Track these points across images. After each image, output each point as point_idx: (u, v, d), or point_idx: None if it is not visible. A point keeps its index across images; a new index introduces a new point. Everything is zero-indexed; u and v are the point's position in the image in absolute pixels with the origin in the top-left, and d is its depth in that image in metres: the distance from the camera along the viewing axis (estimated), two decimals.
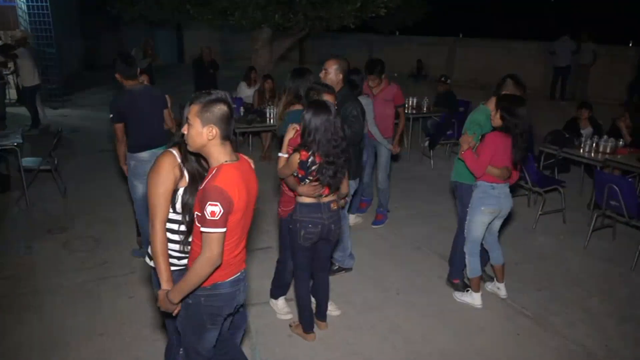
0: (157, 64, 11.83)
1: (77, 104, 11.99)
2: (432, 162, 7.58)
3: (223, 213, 2.02)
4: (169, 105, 4.38)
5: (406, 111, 8.22)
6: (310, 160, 2.95)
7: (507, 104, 3.47)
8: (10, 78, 11.36)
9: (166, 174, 2.23)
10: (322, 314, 3.55)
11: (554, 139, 6.13)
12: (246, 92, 8.66)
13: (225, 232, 2.07)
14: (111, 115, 4.10)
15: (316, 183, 3.02)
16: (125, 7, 8.85)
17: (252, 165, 2.32)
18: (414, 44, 16.88)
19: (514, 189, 4.11)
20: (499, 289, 4.04)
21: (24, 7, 11.22)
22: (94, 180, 6.57)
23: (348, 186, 3.30)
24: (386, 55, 17.48)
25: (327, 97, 3.19)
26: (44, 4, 10.96)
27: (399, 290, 4.14)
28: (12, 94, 11.67)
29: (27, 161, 6.00)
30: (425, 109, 8.30)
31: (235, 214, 2.09)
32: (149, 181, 2.26)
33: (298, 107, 3.57)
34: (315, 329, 3.49)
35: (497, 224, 3.88)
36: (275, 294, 3.77)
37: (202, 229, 2.04)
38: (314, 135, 2.91)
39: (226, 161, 2.11)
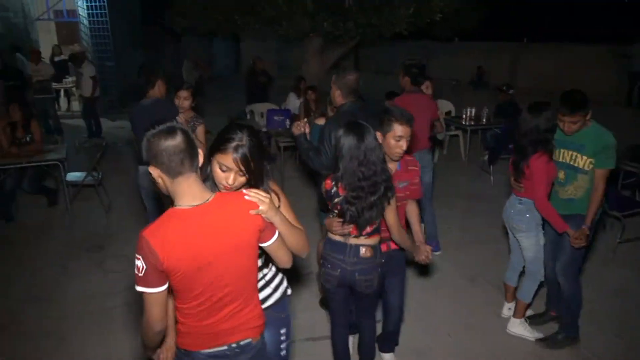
0: (209, 74, 11.88)
1: None
2: (492, 178, 6.97)
3: (146, 270, 1.64)
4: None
5: (463, 122, 7.72)
6: (333, 190, 2.55)
7: None
8: (74, 90, 11.78)
9: None
10: None
11: (634, 155, 5.40)
12: (295, 103, 8.41)
13: (157, 293, 1.69)
14: None
15: (340, 219, 2.58)
16: (177, 19, 8.86)
17: (256, 207, 1.79)
18: (474, 50, 16.13)
19: None
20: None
21: (85, 22, 11.59)
22: (140, 194, 6.49)
23: (400, 233, 2.70)
24: (444, 63, 16.88)
25: (398, 128, 2.65)
26: (104, 18, 11.29)
27: (450, 331, 3.65)
28: (75, 106, 12.10)
29: (71, 176, 5.99)
30: (484, 120, 7.69)
31: (174, 274, 1.68)
32: None
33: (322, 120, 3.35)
34: None
35: (520, 242, 3.50)
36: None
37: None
38: (338, 161, 2.50)
39: (177, 205, 1.72)
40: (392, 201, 2.55)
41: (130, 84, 13.37)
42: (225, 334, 1.85)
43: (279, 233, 1.88)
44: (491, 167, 7.01)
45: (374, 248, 2.66)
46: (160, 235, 1.66)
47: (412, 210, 2.94)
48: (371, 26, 7.88)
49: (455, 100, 9.09)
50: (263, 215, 1.80)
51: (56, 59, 11.94)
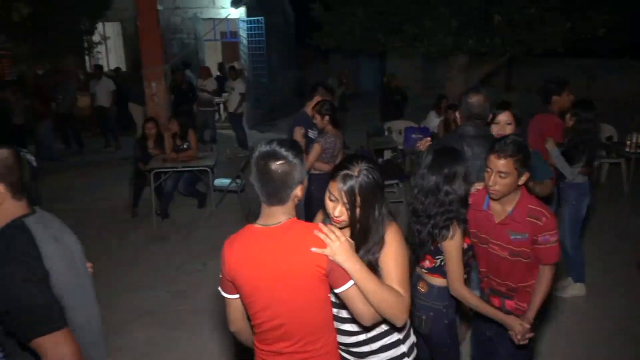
0: (352, 91, 12.23)
1: (282, 128, 12.98)
2: None
3: (222, 275, 1.79)
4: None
5: (627, 149, 6.84)
6: None
7: None
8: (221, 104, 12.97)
9: None
10: None
11: None
12: (435, 122, 8.22)
13: (228, 299, 1.82)
14: None
15: None
16: (324, 39, 9.26)
17: (322, 246, 1.63)
18: None
19: None
20: None
21: (245, 42, 12.68)
22: None
23: (457, 285, 2.33)
24: (610, 82, 15.18)
25: (489, 157, 2.31)
26: (261, 38, 12.24)
27: None
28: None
29: (218, 182, 6.55)
30: None
31: (236, 287, 1.75)
32: None
33: None
34: None
35: None
36: None
37: None
38: None
39: (256, 221, 1.76)
40: (453, 241, 2.27)
41: (282, 99, 14.34)
42: None
43: (355, 284, 1.66)
44: None
45: (431, 287, 2.42)
46: (231, 247, 1.75)
47: (541, 277, 2.36)
48: (520, 43, 7.39)
49: (622, 125, 8.10)
50: (331, 258, 1.64)
51: (218, 74, 13.29)
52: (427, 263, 2.42)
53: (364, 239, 1.79)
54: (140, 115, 9.86)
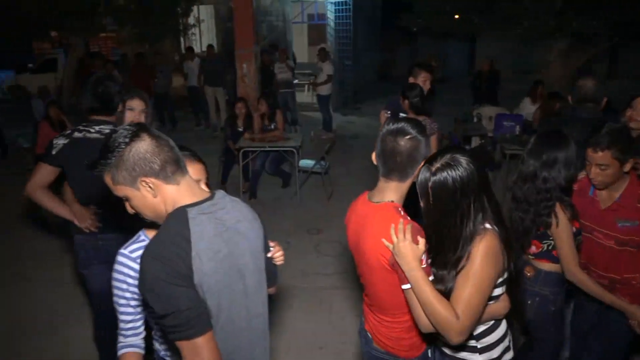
0: (439, 75, 11.91)
1: (365, 112, 12.90)
2: None
3: None
4: None
5: None
6: None
7: None
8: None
9: None
10: None
11: None
12: (529, 109, 7.79)
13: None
14: None
15: None
16: (413, 20, 9.03)
17: (389, 240, 1.65)
18: None
19: None
20: None
21: (332, 24, 12.67)
22: (360, 186, 6.84)
23: (572, 271, 2.25)
24: None
25: (588, 150, 2.28)
26: (348, 21, 12.18)
27: None
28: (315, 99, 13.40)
29: (303, 162, 6.65)
30: None
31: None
32: None
33: None
34: None
35: None
36: None
37: None
38: None
39: (370, 192, 1.89)
40: (560, 227, 2.19)
41: (366, 82, 14.24)
42: (370, 323, 1.96)
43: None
44: None
45: (539, 272, 2.36)
46: (350, 209, 1.95)
47: None
48: (630, 24, 6.75)
49: None
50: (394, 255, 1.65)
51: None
52: (533, 249, 2.36)
53: (438, 246, 1.67)
54: (212, 97, 10.23)
